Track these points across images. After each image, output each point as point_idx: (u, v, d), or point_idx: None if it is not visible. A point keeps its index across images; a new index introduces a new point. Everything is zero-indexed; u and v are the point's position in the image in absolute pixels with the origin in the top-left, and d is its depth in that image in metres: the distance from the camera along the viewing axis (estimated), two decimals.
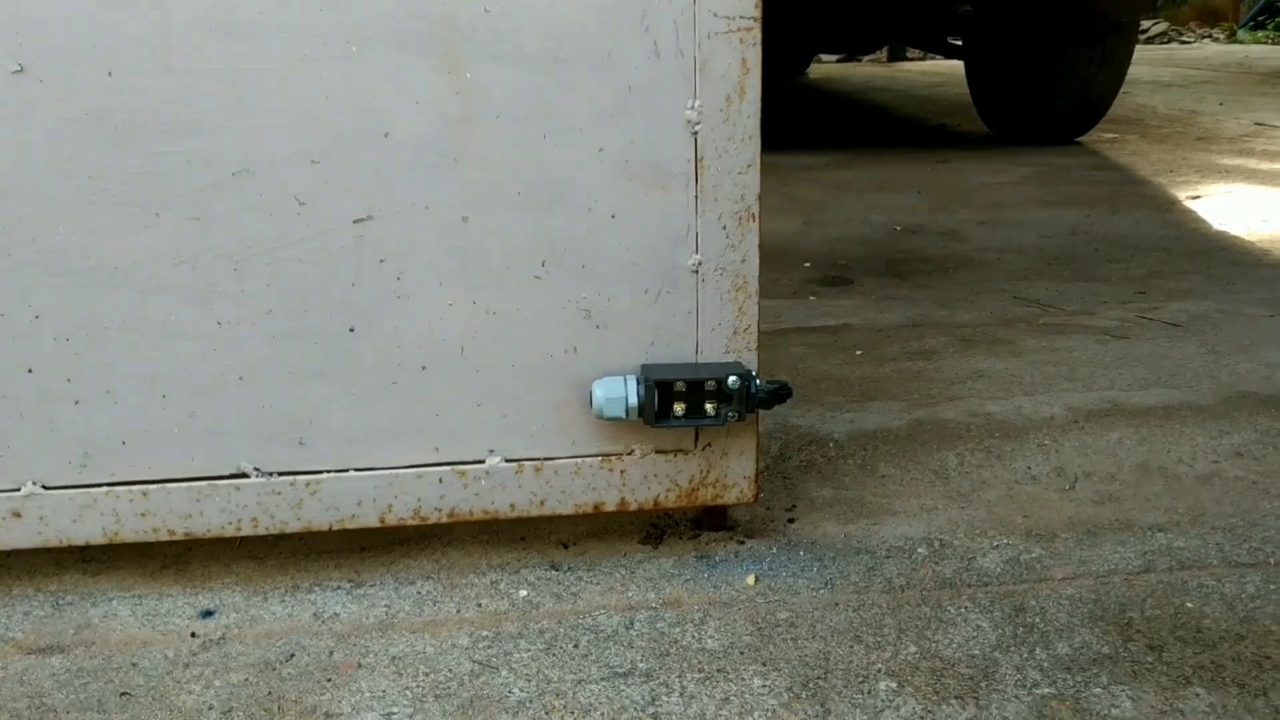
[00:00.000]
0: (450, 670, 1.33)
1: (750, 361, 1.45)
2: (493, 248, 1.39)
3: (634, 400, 1.40)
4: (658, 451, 1.48)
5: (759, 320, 1.45)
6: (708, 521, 1.62)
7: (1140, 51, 7.25)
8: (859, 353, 2.30)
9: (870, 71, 8.49)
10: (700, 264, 1.41)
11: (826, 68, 10.28)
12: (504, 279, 1.40)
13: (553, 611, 1.45)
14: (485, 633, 1.40)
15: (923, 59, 10.95)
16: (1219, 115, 6.23)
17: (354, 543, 1.61)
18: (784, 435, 1.88)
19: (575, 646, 1.37)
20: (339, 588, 1.51)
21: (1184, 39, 13.80)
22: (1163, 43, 13.49)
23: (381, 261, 1.38)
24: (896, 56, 11.34)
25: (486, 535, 1.62)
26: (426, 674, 1.33)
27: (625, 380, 1.40)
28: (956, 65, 6.19)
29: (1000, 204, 3.88)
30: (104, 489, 1.42)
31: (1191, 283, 2.82)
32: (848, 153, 5.12)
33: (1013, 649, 1.35)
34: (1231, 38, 13.82)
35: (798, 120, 6.58)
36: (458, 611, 1.45)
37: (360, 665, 1.35)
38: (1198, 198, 3.91)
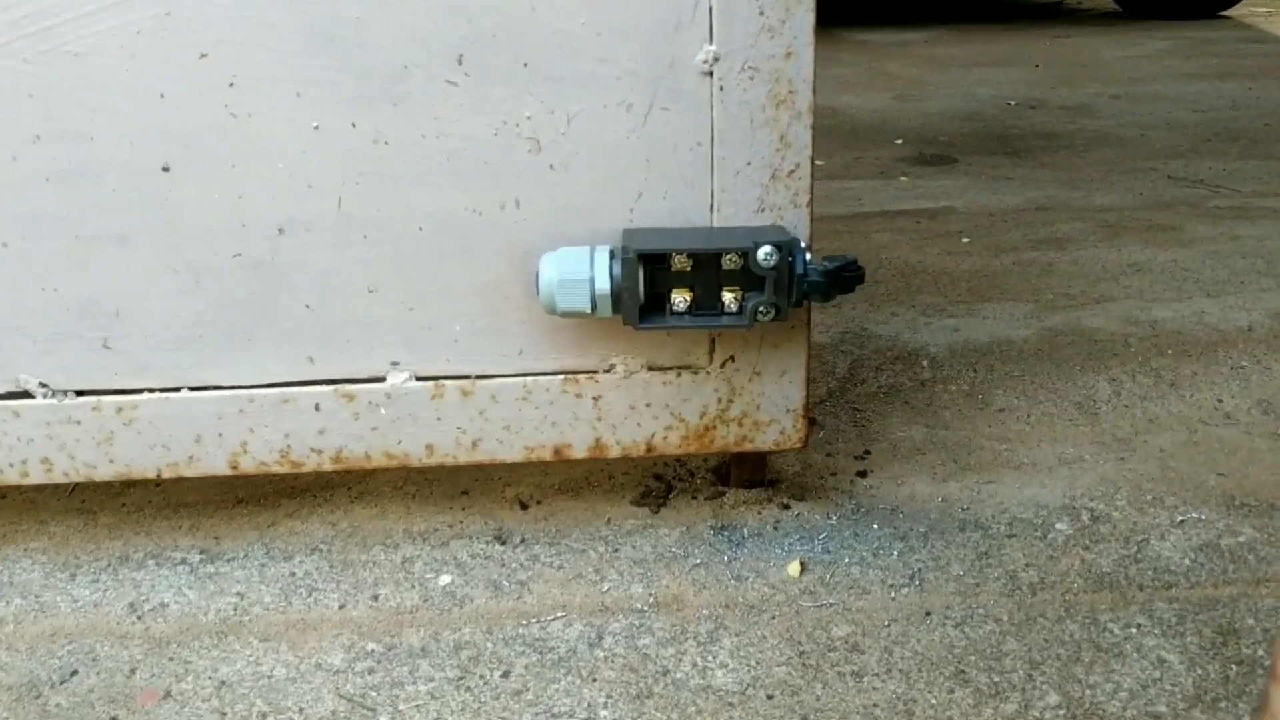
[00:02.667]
0: (300, 711, 0.84)
1: (797, 225, 0.90)
2: (378, 33, 0.85)
3: (604, 284, 0.86)
4: (651, 369, 0.95)
5: (813, 171, 0.89)
6: (736, 473, 1.09)
7: None
8: (965, 240, 1.73)
9: None
10: (716, 60, 0.86)
11: None
12: (398, 86, 0.86)
13: (483, 612, 0.94)
14: (372, 646, 0.90)
15: None
16: None
17: (226, 493, 1.12)
18: (856, 348, 1.34)
19: (505, 676, 0.86)
20: (183, 561, 1.02)
21: None
22: None
23: (203, 57, 0.86)
24: None
25: (415, 486, 1.12)
26: (263, 715, 0.83)
27: (592, 253, 0.87)
28: None
29: (1137, 78, 3.21)
30: None
31: None
32: (949, 29, 4.44)
33: (1224, 704, 0.81)
34: None
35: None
36: (340, 607, 0.95)
37: (168, 695, 0.86)
38: None
